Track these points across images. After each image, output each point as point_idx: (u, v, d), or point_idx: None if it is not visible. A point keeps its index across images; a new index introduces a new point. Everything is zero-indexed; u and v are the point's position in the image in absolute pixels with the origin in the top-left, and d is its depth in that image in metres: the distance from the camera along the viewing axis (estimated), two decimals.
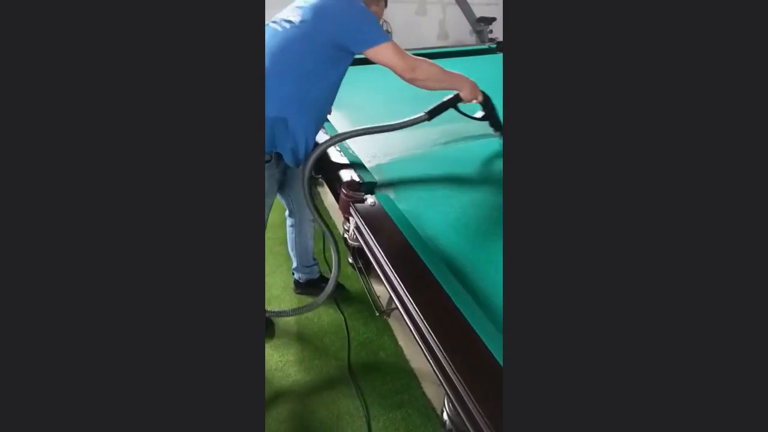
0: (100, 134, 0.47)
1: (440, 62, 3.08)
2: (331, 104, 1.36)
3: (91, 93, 0.47)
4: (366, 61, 1.24)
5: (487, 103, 1.37)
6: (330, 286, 1.34)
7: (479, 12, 4.18)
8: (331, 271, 1.36)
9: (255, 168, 0.53)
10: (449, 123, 1.48)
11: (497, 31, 4.15)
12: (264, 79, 0.96)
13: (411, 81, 1.22)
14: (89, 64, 0.47)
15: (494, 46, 2.65)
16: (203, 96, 0.50)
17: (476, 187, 1.22)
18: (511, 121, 0.52)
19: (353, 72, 1.32)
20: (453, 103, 1.31)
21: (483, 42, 2.75)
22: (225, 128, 0.50)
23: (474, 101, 1.33)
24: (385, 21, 3.97)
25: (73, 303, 0.45)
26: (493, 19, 4.08)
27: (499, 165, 1.32)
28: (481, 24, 4.10)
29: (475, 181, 1.25)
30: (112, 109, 0.47)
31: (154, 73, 0.48)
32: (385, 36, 1.19)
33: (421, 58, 1.23)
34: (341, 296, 1.77)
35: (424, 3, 4.11)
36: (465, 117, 1.40)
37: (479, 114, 1.40)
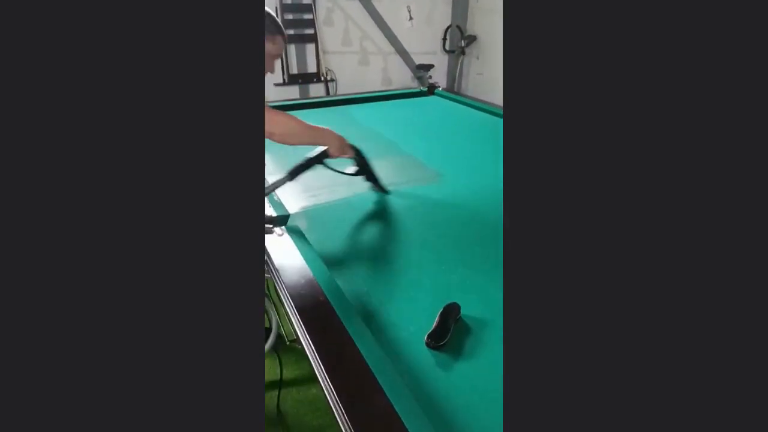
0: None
1: (380, 104, 3.15)
2: None
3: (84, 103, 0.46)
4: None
5: (360, 158, 1.30)
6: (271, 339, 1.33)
7: (418, 60, 4.48)
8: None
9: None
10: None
11: (437, 77, 4.44)
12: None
13: (267, 136, 1.09)
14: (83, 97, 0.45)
15: (425, 89, 2.83)
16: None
17: (385, 223, 1.29)
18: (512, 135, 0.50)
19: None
20: (319, 159, 1.22)
21: (424, 86, 2.95)
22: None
23: (343, 157, 1.26)
24: (329, 70, 4.17)
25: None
26: (431, 66, 4.37)
27: (412, 204, 1.40)
28: (420, 70, 4.38)
29: (384, 218, 1.32)
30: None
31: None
32: None
33: (282, 112, 1.12)
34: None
35: (366, 54, 4.37)
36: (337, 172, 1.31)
37: (351, 169, 1.33)
